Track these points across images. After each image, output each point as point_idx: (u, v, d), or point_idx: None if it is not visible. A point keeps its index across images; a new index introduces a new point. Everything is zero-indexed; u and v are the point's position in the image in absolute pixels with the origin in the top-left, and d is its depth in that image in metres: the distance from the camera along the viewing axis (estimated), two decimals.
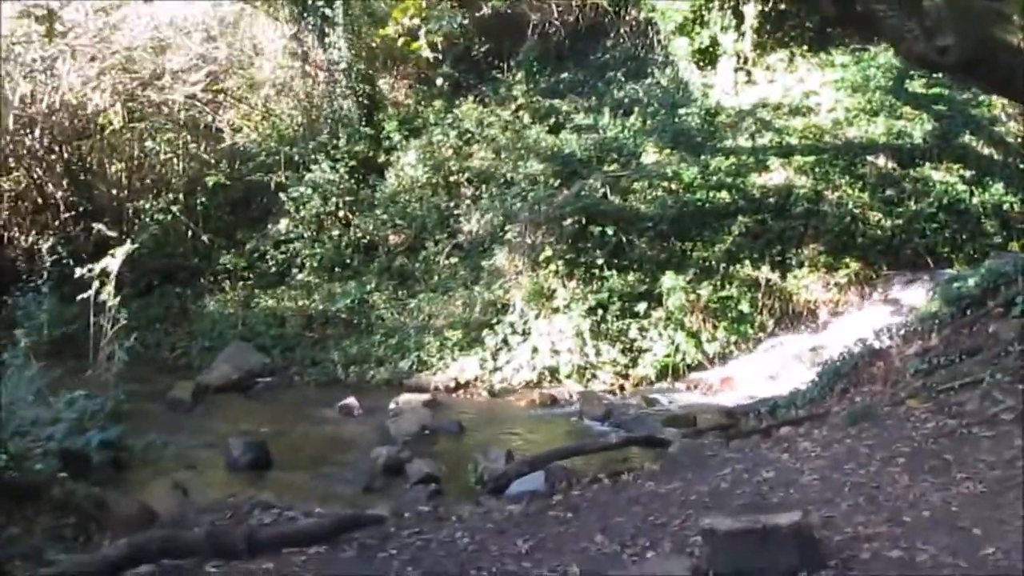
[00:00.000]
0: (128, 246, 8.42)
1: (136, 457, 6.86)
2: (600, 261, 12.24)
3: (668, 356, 11.51)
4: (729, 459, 6.78)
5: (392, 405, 10.01)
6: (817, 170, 13.82)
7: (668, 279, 11.91)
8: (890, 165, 14.15)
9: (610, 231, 12.43)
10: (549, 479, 7.04)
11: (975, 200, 13.83)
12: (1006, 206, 13.98)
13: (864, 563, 4.27)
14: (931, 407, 7.20)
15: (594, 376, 11.31)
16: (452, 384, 11.22)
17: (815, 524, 4.69)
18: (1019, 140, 14.81)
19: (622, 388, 11.21)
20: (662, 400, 10.64)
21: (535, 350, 11.42)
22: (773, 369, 11.52)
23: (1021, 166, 14.42)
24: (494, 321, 11.92)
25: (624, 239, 12.61)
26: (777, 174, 13.86)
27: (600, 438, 8.37)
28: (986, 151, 14.66)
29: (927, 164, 14.27)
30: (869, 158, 14.13)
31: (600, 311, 11.70)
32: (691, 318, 11.87)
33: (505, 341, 11.65)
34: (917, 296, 12.20)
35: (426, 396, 10.39)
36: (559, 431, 9.57)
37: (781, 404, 9.31)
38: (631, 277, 12.16)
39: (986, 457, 5.77)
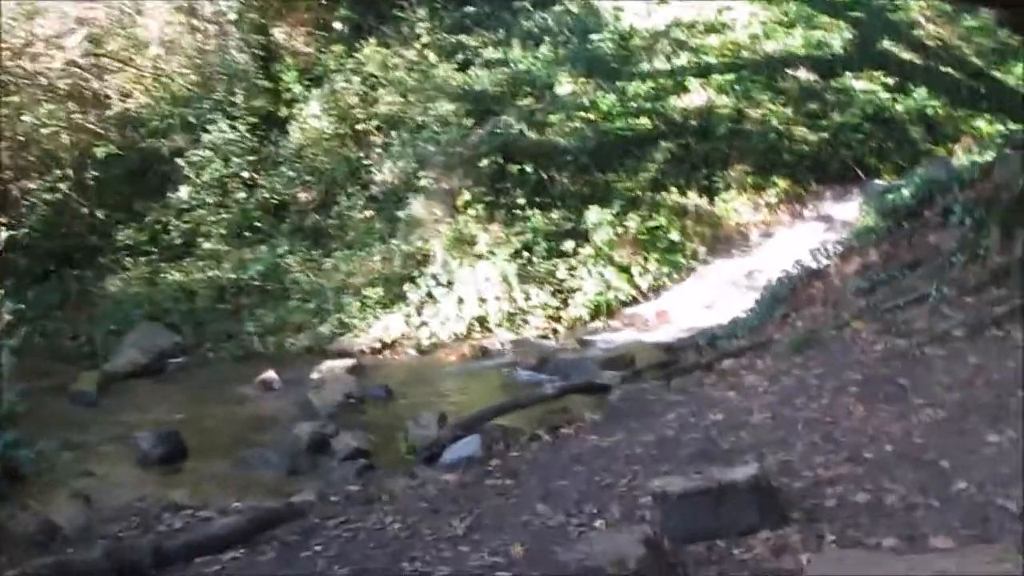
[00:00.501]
0: (3, 234, 7.66)
1: (31, 466, 6.24)
2: (521, 201, 11.79)
3: (600, 294, 11.17)
4: (673, 402, 6.45)
5: (314, 375, 9.45)
6: (738, 88, 13.52)
7: (594, 213, 11.54)
8: (811, 77, 13.89)
9: (529, 168, 11.97)
10: (485, 441, 6.63)
11: (899, 107, 13.68)
12: (930, 111, 13.87)
13: (830, 512, 3.95)
14: (877, 328, 6.96)
15: (525, 322, 10.93)
16: (377, 345, 10.70)
17: (772, 472, 4.38)
18: (939, 43, 14.65)
19: (555, 332, 10.86)
20: (598, 341, 10.33)
21: (461, 301, 10.98)
22: (709, 298, 11.28)
23: (942, 69, 14.27)
24: (416, 274, 11.43)
25: (544, 176, 12.19)
26: (697, 95, 13.51)
27: (537, 389, 7.98)
28: (906, 56, 14.46)
29: (848, 74, 14.04)
30: (789, 71, 13.85)
31: (526, 253, 11.30)
32: (620, 252, 11.54)
33: (429, 294, 11.17)
34: (850, 210, 12.04)
35: (350, 361, 9.82)
36: (493, 385, 9.16)
37: (720, 335, 9.05)
38: (555, 215, 11.76)
39: (942, 379, 5.52)
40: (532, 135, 12.74)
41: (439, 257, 11.38)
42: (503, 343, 10.44)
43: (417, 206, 12.24)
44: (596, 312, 11.12)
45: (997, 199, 8.01)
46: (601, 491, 4.81)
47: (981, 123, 13.86)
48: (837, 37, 14.41)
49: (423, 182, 12.36)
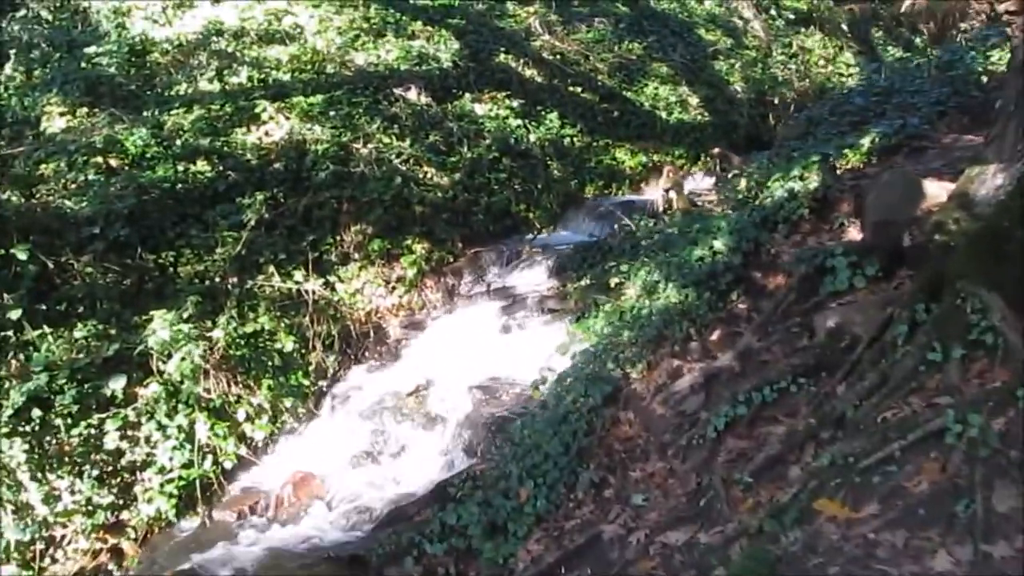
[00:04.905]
0: None
1: None
2: (15, 314, 6.66)
3: (188, 467, 6.53)
4: None
5: None
6: (333, 114, 9.65)
7: (158, 322, 6.84)
8: (424, 100, 10.51)
9: (22, 255, 6.88)
10: None
11: (533, 137, 10.81)
12: (567, 140, 11.21)
13: None
14: (880, 513, 3.56)
15: (55, 547, 5.93)
16: None
17: None
18: (558, 56, 12.12)
19: (118, 556, 5.99)
20: (209, 567, 5.72)
21: None
22: (364, 440, 7.23)
23: (571, 90, 11.74)
24: None
25: (52, 264, 7.21)
26: (275, 127, 9.41)
27: None
28: (528, 72, 11.73)
29: (467, 95, 10.91)
30: (397, 91, 10.33)
31: (39, 411, 6.24)
32: (209, 383, 7.01)
33: None
34: (534, 277, 8.77)
35: None
36: None
37: (458, 527, 5.10)
38: (82, 332, 6.83)
39: None
40: (15, 197, 7.70)
41: None
42: None
43: None
44: (187, 501, 6.42)
45: (893, 243, 5.15)
46: None
47: (622, 153, 11.54)
48: (444, 49, 11.28)
49: None
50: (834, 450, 4.07)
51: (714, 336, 5.48)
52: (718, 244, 5.78)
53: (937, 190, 5.62)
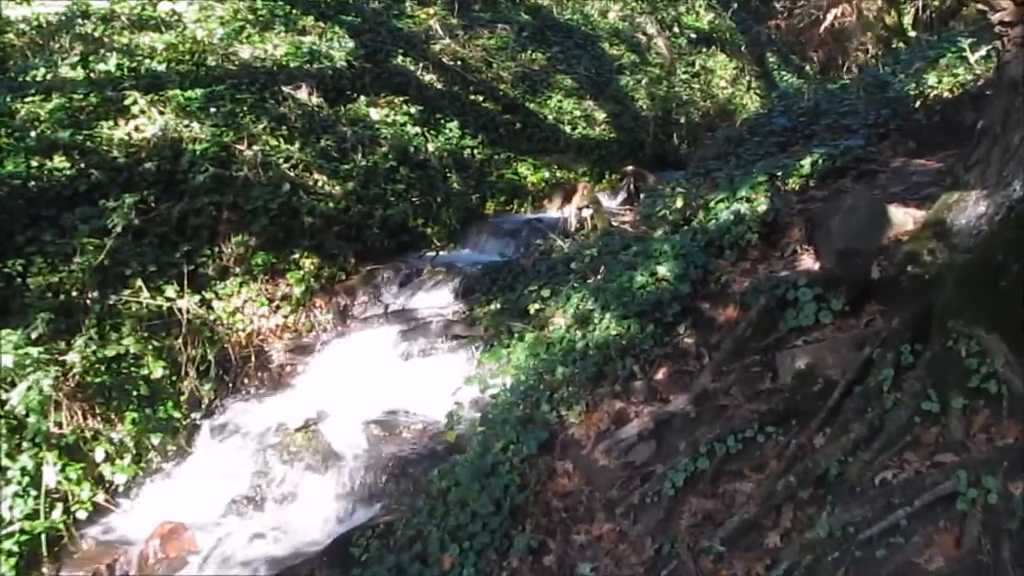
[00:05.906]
0: None
1: None
2: None
3: (32, 518, 5.48)
4: None
5: None
6: (214, 111, 8.67)
7: (1, 344, 5.80)
8: (315, 101, 9.62)
9: None
10: None
11: (432, 147, 10.04)
12: (467, 152, 10.49)
13: None
14: None
15: None
16: None
17: None
18: (459, 62, 11.38)
19: None
20: None
21: None
22: (245, 483, 6.31)
23: (472, 98, 11.02)
24: None
25: None
26: (148, 122, 8.34)
27: None
28: (427, 77, 10.95)
29: (362, 98, 10.07)
30: (286, 89, 9.40)
31: None
32: (61, 417, 5.98)
33: None
34: (438, 299, 7.98)
35: None
36: None
37: None
38: None
39: None
40: None
41: None
42: None
43: None
44: (30, 559, 5.40)
45: (860, 274, 4.63)
46: None
47: (524, 168, 10.89)
48: (337, 47, 10.42)
49: None
50: (830, 519, 3.46)
51: (660, 375, 4.83)
52: (662, 270, 5.14)
53: (903, 217, 5.13)
